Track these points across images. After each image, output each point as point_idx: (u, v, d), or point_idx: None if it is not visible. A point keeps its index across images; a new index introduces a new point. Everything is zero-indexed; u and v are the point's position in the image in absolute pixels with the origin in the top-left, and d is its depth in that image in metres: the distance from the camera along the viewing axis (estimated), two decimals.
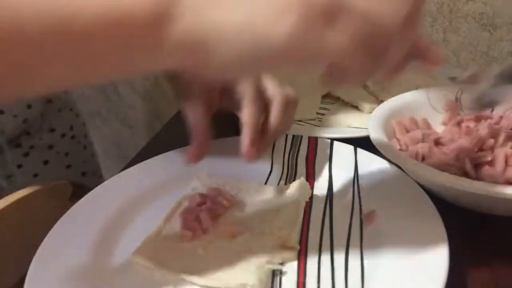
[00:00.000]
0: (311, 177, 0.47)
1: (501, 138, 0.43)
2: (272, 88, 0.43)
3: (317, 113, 0.64)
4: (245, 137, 0.40)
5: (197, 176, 0.45)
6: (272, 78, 0.43)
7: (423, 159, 0.43)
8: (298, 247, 0.37)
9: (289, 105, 0.43)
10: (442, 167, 0.41)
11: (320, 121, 0.62)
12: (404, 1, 0.25)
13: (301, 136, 0.52)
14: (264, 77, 0.43)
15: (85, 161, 0.70)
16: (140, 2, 0.23)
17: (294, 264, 0.36)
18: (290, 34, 0.23)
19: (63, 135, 0.65)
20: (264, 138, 0.42)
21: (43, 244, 0.37)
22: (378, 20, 0.24)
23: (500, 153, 0.40)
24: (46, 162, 0.64)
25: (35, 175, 0.64)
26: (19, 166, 0.62)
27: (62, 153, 0.65)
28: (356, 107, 0.64)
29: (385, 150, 0.41)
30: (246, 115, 0.41)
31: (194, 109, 0.42)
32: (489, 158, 0.40)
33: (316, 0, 0.23)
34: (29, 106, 0.59)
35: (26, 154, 0.62)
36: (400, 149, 0.45)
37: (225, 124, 0.52)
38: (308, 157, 0.49)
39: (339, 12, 0.24)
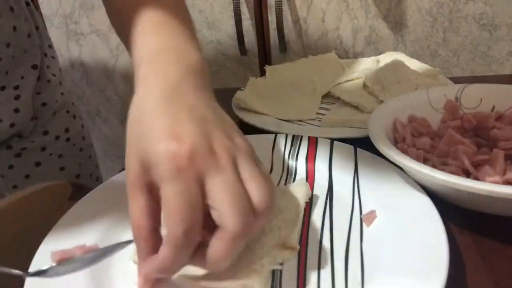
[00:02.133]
0: (311, 177, 0.47)
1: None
2: (222, 208, 0.28)
3: (317, 113, 0.64)
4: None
5: None
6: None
7: (423, 159, 0.44)
8: (298, 247, 0.37)
9: (243, 237, 0.29)
10: (442, 166, 0.41)
11: (320, 121, 0.62)
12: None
13: (301, 136, 0.52)
14: (213, 176, 0.28)
15: (80, 164, 0.69)
16: None
17: (294, 264, 0.36)
18: None
19: (57, 138, 0.64)
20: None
21: (43, 243, 0.37)
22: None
23: (500, 153, 0.40)
24: (38, 164, 0.63)
25: (27, 176, 0.63)
26: (10, 166, 0.61)
27: (55, 155, 0.64)
28: (356, 107, 0.64)
29: (385, 150, 0.41)
30: (160, 257, 0.29)
31: (135, 199, 0.30)
32: (489, 158, 0.40)
33: None
34: (16, 111, 0.57)
35: (17, 155, 0.61)
36: (400, 149, 0.45)
37: None
38: (308, 157, 0.49)
39: None
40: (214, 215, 0.29)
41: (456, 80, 0.64)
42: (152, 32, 0.37)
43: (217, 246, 0.29)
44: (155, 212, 0.30)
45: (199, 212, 0.28)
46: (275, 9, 0.93)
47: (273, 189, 0.31)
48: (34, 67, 0.59)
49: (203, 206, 0.28)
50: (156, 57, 0.35)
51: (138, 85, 0.33)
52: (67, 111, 0.66)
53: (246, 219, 0.28)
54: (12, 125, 0.57)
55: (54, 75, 0.63)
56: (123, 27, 0.42)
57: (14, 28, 0.54)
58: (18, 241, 0.41)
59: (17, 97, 0.57)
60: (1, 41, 0.53)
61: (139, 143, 0.30)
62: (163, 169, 0.28)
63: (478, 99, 0.52)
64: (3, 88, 0.55)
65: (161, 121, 0.30)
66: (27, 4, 0.59)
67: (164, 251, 0.28)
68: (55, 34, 1.06)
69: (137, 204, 0.30)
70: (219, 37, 1.00)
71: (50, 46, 0.65)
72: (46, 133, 0.63)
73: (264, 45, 0.99)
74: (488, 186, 0.34)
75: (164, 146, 0.28)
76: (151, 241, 0.30)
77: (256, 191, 0.29)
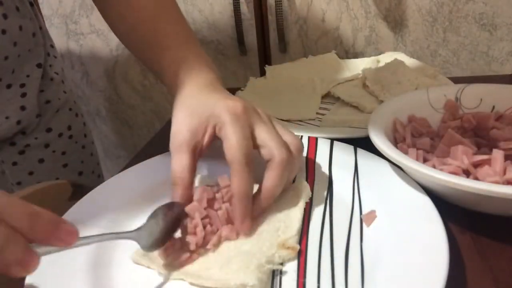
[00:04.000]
0: (311, 177, 0.47)
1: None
2: (270, 144, 0.38)
3: (317, 113, 0.64)
4: (236, 211, 0.37)
5: (197, 176, 0.45)
6: (270, 128, 0.40)
7: (423, 159, 0.44)
8: (298, 247, 0.37)
9: (288, 166, 0.38)
10: (442, 166, 0.41)
11: (320, 121, 0.62)
12: None
13: (301, 136, 0.52)
14: (259, 125, 0.39)
15: (83, 161, 0.70)
16: None
17: (294, 264, 0.36)
18: None
19: (60, 135, 0.65)
20: (256, 204, 0.38)
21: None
22: None
23: (500, 153, 0.40)
24: (41, 161, 0.64)
25: (30, 173, 0.64)
26: (14, 163, 0.62)
27: (58, 152, 0.65)
28: (356, 107, 0.64)
29: (385, 150, 0.41)
30: (235, 184, 0.36)
31: (179, 158, 0.39)
32: (489, 158, 0.40)
33: None
34: (22, 108, 0.58)
35: (21, 152, 0.62)
36: (400, 149, 0.45)
37: None
38: (308, 157, 0.49)
39: None
40: (263, 152, 0.39)
41: (456, 80, 0.64)
42: (179, 48, 0.50)
43: (270, 174, 0.38)
44: (193, 170, 0.39)
45: (251, 144, 0.38)
46: (275, 9, 0.93)
47: (300, 139, 0.42)
48: (39, 65, 0.60)
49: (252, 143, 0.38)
50: (192, 65, 0.47)
51: (182, 82, 0.45)
52: (70, 109, 0.67)
53: (287, 150, 0.38)
54: (18, 122, 0.58)
55: (56, 73, 0.65)
56: (141, 40, 0.53)
57: (20, 28, 0.55)
58: None
59: (23, 95, 0.58)
60: (9, 40, 0.54)
61: (197, 110, 0.40)
62: (225, 116, 0.38)
63: (478, 99, 0.52)
64: (10, 86, 0.56)
65: (215, 94, 0.42)
66: (31, 4, 0.61)
67: (233, 178, 0.37)
68: (55, 34, 1.06)
69: (181, 161, 0.38)
70: (219, 37, 1.00)
71: (52, 46, 0.66)
72: (49, 130, 0.64)
73: (264, 45, 0.99)
74: (488, 186, 0.34)
75: (226, 103, 0.39)
76: (188, 190, 0.38)
77: (289, 138, 0.40)
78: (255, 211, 0.38)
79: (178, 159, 0.39)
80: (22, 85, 0.57)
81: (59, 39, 1.08)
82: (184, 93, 0.43)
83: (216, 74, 0.47)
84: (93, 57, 1.09)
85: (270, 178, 0.38)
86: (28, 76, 0.58)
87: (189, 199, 0.38)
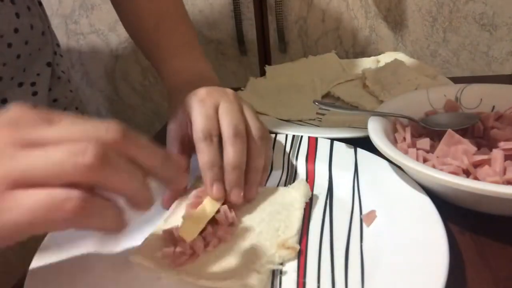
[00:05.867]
0: (311, 177, 0.47)
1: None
2: (224, 119, 0.41)
3: (317, 113, 0.64)
4: (206, 181, 0.39)
5: (197, 176, 0.45)
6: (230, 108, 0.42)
7: (423, 159, 0.44)
8: (298, 247, 0.37)
9: (239, 143, 0.40)
10: (442, 166, 0.41)
11: (320, 121, 0.62)
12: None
13: (301, 136, 0.52)
14: (222, 104, 0.43)
15: None
16: None
17: (294, 264, 0.36)
18: None
19: None
20: (246, 183, 0.40)
21: (44, 242, 0.37)
22: None
23: (500, 153, 0.40)
24: None
25: None
26: None
27: None
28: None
29: (385, 150, 0.41)
30: (200, 159, 0.40)
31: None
32: (489, 158, 0.40)
33: None
34: (33, 107, 0.59)
35: None
36: (400, 149, 0.45)
37: None
38: (308, 157, 0.49)
39: None
40: (220, 128, 0.41)
41: (456, 80, 0.64)
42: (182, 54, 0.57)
43: (228, 150, 0.40)
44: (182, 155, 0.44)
45: (214, 123, 0.41)
46: (275, 9, 0.93)
47: (265, 129, 0.44)
48: (48, 64, 0.61)
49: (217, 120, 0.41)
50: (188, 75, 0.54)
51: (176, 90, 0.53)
52: (76, 108, 0.68)
53: (240, 129, 0.41)
54: None
55: (63, 72, 0.65)
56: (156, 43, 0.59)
57: (32, 27, 0.56)
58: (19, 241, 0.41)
59: (34, 94, 0.58)
60: (21, 39, 0.54)
61: (182, 106, 0.44)
62: (192, 102, 0.42)
63: (478, 99, 0.52)
64: (21, 84, 0.56)
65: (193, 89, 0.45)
66: (40, 3, 0.61)
67: (198, 154, 0.40)
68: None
69: (174, 148, 0.44)
70: (219, 37, 1.00)
71: (58, 45, 0.67)
72: None
73: (264, 45, 0.99)
74: (488, 186, 0.34)
75: (195, 92, 0.44)
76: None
77: (253, 124, 0.43)
78: (247, 190, 0.41)
79: (170, 147, 0.44)
80: (33, 84, 0.58)
81: (59, 39, 1.07)
82: (176, 98, 0.48)
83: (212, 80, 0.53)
84: (93, 57, 1.09)
85: (227, 151, 0.40)
86: (38, 74, 0.59)
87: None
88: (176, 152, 0.43)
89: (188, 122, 0.43)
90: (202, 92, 0.43)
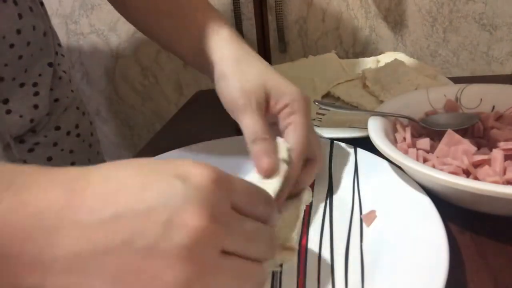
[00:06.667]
0: None
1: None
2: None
3: (317, 113, 0.64)
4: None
5: None
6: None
7: (423, 159, 0.44)
8: (297, 247, 0.37)
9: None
10: (442, 166, 0.41)
11: (320, 121, 0.62)
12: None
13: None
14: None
15: (90, 159, 0.70)
16: None
17: (294, 264, 0.36)
18: None
19: (68, 133, 0.65)
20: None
21: None
22: None
23: (500, 153, 0.40)
24: (50, 159, 0.64)
25: None
26: (24, 161, 0.62)
27: (66, 151, 0.66)
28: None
29: (385, 150, 0.41)
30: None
31: (251, 117, 0.39)
32: (489, 158, 0.40)
33: None
34: (35, 107, 0.59)
35: (30, 150, 0.62)
36: (400, 149, 0.45)
37: (225, 124, 0.52)
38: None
39: None
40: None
41: (456, 80, 0.64)
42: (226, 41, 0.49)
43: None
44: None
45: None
46: (275, 9, 0.93)
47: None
48: (50, 64, 0.61)
49: None
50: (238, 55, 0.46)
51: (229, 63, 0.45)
52: (77, 108, 0.68)
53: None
54: (31, 121, 0.59)
55: (64, 72, 0.65)
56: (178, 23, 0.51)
57: (34, 27, 0.56)
58: None
59: (36, 94, 0.58)
60: (23, 40, 0.54)
61: (252, 77, 0.42)
62: (301, 104, 0.40)
63: (478, 99, 0.52)
64: (23, 85, 0.56)
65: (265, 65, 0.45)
66: (41, 3, 0.61)
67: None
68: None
69: (257, 121, 0.38)
70: None
71: (59, 45, 0.67)
72: (58, 128, 0.64)
73: (264, 45, 0.99)
74: (488, 186, 0.34)
75: (296, 87, 0.42)
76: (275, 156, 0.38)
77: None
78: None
79: (250, 118, 0.38)
80: (35, 84, 0.58)
81: (59, 39, 1.08)
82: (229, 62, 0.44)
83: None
84: (93, 57, 1.09)
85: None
86: (40, 75, 0.59)
87: (275, 169, 0.36)
88: (263, 122, 0.39)
89: (272, 104, 0.41)
90: (305, 96, 0.42)
